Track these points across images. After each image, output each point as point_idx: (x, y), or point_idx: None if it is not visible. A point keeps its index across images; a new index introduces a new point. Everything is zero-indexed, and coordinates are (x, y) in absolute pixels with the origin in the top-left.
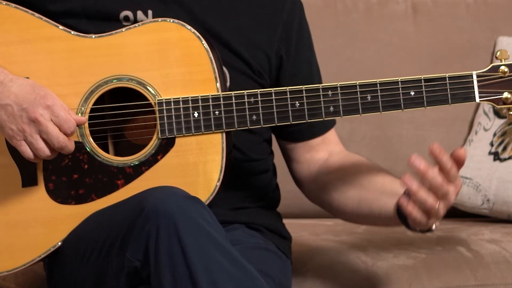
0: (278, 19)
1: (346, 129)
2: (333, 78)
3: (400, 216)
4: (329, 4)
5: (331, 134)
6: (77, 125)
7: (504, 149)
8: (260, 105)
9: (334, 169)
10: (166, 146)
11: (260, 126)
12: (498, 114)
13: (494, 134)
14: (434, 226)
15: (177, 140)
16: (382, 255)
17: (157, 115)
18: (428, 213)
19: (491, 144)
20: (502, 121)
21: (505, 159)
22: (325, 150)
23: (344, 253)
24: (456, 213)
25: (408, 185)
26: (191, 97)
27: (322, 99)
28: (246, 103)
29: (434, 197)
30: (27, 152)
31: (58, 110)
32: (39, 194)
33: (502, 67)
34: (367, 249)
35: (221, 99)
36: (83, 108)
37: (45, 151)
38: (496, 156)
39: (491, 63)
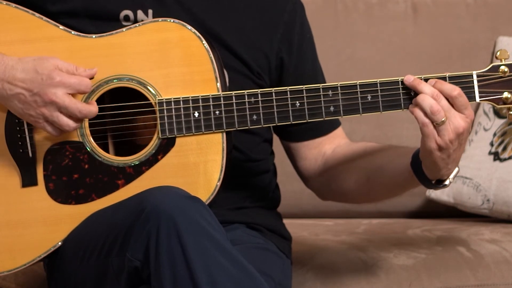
0: (278, 20)
1: (346, 129)
2: (333, 78)
3: (415, 171)
4: (329, 4)
5: (338, 130)
6: (91, 78)
7: (504, 149)
8: (260, 105)
9: (341, 155)
10: (166, 146)
11: (260, 126)
12: (498, 114)
13: (494, 134)
14: (448, 181)
15: (177, 140)
16: (382, 255)
17: (158, 115)
18: (436, 120)
19: (491, 144)
20: (502, 121)
21: (505, 159)
22: (331, 143)
23: (344, 253)
24: (456, 213)
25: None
26: (192, 97)
27: (322, 99)
28: (247, 103)
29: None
30: (53, 131)
31: (68, 80)
32: (39, 194)
33: (502, 67)
34: (367, 249)
35: (222, 99)
36: None
37: (70, 124)
38: (496, 156)
39: (491, 63)
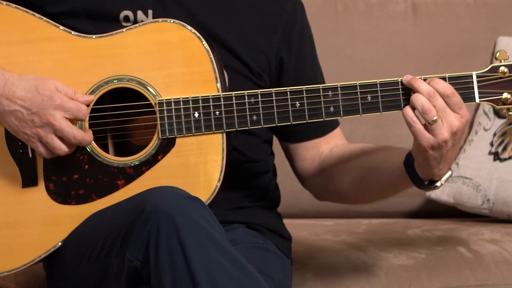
0: (278, 20)
1: (346, 129)
2: (333, 77)
3: (407, 169)
4: (329, 4)
5: (337, 130)
6: (87, 105)
7: (504, 149)
8: (260, 105)
9: (338, 155)
10: (166, 146)
11: (260, 127)
12: (498, 114)
13: (494, 134)
14: (439, 182)
15: (177, 140)
16: (382, 255)
17: (158, 115)
18: (427, 120)
19: (491, 144)
20: (502, 121)
21: (505, 159)
22: (329, 143)
23: (344, 253)
24: (456, 213)
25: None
26: (192, 97)
27: (322, 99)
28: (247, 103)
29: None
30: (44, 152)
31: (67, 104)
32: (40, 194)
33: (502, 68)
34: (367, 249)
35: (222, 99)
36: None
37: (62, 148)
38: (496, 156)
39: (491, 63)
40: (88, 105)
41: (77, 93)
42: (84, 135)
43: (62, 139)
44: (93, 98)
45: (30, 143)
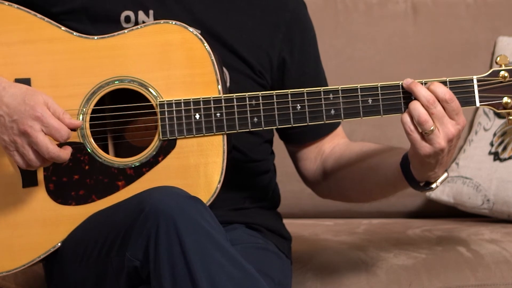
0: (280, 18)
1: (346, 129)
2: (333, 77)
3: (404, 170)
4: (329, 4)
5: (338, 129)
6: (73, 129)
7: (504, 149)
8: (261, 107)
9: (339, 154)
10: (167, 147)
11: (261, 129)
12: (498, 114)
13: (494, 134)
14: (435, 184)
15: (178, 141)
16: (382, 255)
17: (159, 116)
18: (423, 130)
19: (491, 144)
20: (502, 121)
21: (505, 159)
22: (330, 142)
23: (344, 253)
24: (456, 213)
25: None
26: (193, 99)
27: (323, 102)
28: (248, 105)
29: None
30: (19, 162)
31: (48, 119)
32: (40, 195)
33: (502, 72)
34: (367, 249)
35: (223, 101)
36: (84, 109)
37: (36, 161)
38: (496, 156)
39: (491, 63)
40: (74, 130)
41: (66, 113)
42: (59, 152)
43: (37, 153)
44: (81, 123)
45: (7, 150)
